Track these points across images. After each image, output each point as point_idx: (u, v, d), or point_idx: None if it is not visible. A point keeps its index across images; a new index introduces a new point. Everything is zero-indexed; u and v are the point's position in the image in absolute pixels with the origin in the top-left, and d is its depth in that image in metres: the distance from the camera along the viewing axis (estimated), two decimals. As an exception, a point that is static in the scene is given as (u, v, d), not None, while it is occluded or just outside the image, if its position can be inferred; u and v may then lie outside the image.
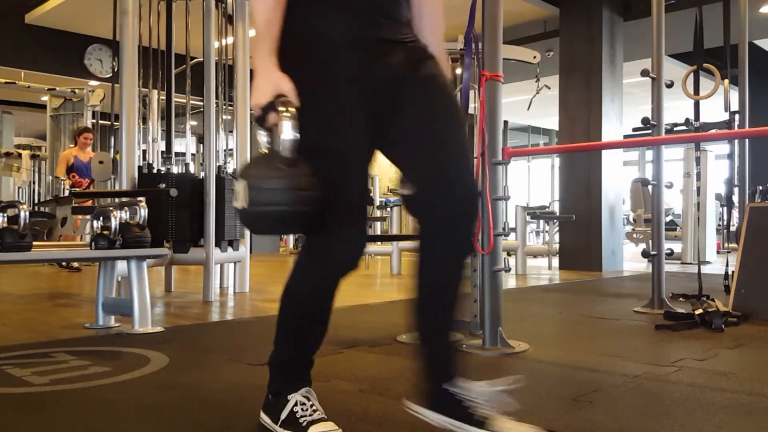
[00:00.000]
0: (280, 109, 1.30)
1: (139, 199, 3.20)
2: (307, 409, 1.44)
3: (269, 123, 1.31)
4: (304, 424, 1.42)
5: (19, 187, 10.08)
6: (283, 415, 1.45)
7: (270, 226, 1.47)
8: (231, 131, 5.13)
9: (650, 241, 3.99)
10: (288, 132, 1.29)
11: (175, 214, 4.24)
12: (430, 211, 1.37)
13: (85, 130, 7.25)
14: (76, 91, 8.67)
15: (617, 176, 7.35)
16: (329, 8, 1.39)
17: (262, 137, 1.34)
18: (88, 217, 4.83)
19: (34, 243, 2.74)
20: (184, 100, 5.13)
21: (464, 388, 1.42)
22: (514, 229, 7.38)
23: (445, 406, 1.41)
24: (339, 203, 1.34)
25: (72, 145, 7.40)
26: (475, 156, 2.64)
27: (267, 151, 1.33)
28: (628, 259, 7.76)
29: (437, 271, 1.43)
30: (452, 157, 1.37)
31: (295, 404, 1.45)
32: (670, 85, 3.99)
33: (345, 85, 1.36)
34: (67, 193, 6.88)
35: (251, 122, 5.33)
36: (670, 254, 4.01)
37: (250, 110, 1.37)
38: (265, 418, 1.52)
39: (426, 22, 1.52)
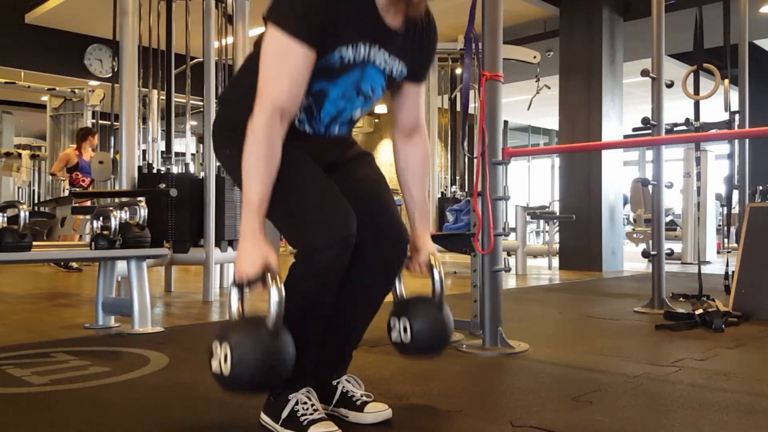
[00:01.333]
0: (269, 281, 1.35)
1: (139, 199, 3.20)
2: (308, 409, 1.46)
3: (253, 290, 1.38)
4: (305, 423, 1.44)
5: (18, 187, 10.08)
6: (284, 414, 1.47)
7: (247, 392, 1.51)
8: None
9: (650, 241, 3.99)
10: (275, 299, 1.34)
11: (175, 214, 4.24)
12: (367, 251, 1.53)
13: (89, 132, 7.22)
14: (76, 91, 8.67)
15: (617, 176, 7.35)
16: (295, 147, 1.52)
17: (234, 300, 1.39)
18: (88, 217, 4.82)
19: (34, 243, 2.74)
20: (184, 100, 5.13)
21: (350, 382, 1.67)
22: (514, 229, 7.38)
23: (332, 398, 1.64)
24: (316, 213, 1.48)
25: (73, 146, 7.39)
26: (475, 156, 2.64)
27: (254, 317, 1.38)
28: (628, 259, 7.76)
29: (364, 301, 1.64)
30: (383, 209, 1.61)
31: (296, 403, 1.47)
32: (670, 85, 3.99)
33: (302, 155, 1.54)
34: (67, 193, 6.89)
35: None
36: (670, 254, 4.01)
37: (234, 278, 1.39)
38: (265, 419, 1.53)
39: (409, 175, 1.74)
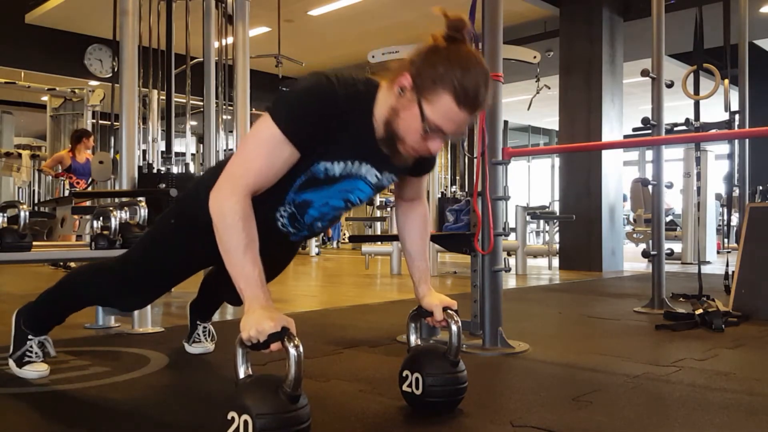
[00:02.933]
0: (286, 342, 1.29)
1: (139, 199, 3.20)
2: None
3: (270, 350, 1.31)
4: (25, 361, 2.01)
5: (19, 187, 10.07)
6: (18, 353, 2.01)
7: None
8: (231, 131, 5.12)
9: (650, 241, 3.99)
10: (295, 360, 1.28)
11: (175, 214, 4.23)
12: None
13: (83, 134, 7.21)
14: (76, 91, 8.67)
15: (617, 176, 7.35)
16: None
17: (241, 362, 1.34)
18: (88, 217, 4.82)
19: (34, 243, 2.74)
20: (184, 100, 5.13)
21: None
22: (514, 229, 7.38)
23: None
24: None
25: (68, 148, 7.37)
26: (475, 156, 2.64)
27: (264, 380, 1.33)
28: (628, 259, 7.76)
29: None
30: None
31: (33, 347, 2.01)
32: (670, 85, 3.99)
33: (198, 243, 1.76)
34: (66, 193, 6.88)
35: (251, 124, 5.33)
36: (670, 254, 4.01)
37: (244, 338, 1.33)
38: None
39: (408, 233, 1.81)
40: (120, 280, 1.88)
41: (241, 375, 1.33)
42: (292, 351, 1.28)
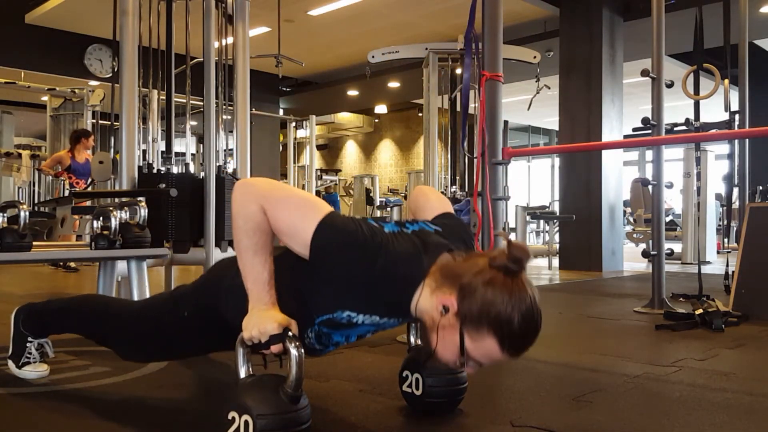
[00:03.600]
0: (288, 343, 1.29)
1: (139, 199, 3.20)
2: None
3: (272, 351, 1.31)
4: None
5: (19, 187, 10.07)
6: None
7: None
8: (231, 131, 5.12)
9: (650, 241, 3.99)
10: (296, 361, 1.28)
11: (175, 214, 4.23)
12: None
13: (82, 135, 7.21)
14: (76, 91, 8.67)
15: (617, 176, 7.35)
16: None
17: (242, 362, 1.33)
18: (88, 217, 4.82)
19: (34, 243, 2.74)
20: (184, 100, 5.12)
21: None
22: (514, 229, 7.38)
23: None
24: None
25: (67, 148, 7.38)
26: (475, 156, 2.64)
27: (265, 380, 1.32)
28: (628, 259, 7.76)
29: None
30: None
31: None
32: (670, 85, 3.99)
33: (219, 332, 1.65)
34: (66, 193, 6.88)
35: (251, 123, 5.33)
36: (670, 254, 4.01)
37: (245, 338, 1.33)
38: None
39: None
40: (130, 338, 1.81)
41: (242, 375, 1.33)
42: (294, 352, 1.28)
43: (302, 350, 1.30)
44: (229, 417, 1.27)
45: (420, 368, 1.64)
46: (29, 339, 2.03)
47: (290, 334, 1.30)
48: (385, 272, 1.32)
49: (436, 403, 1.66)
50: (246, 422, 1.24)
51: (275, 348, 1.30)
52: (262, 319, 1.31)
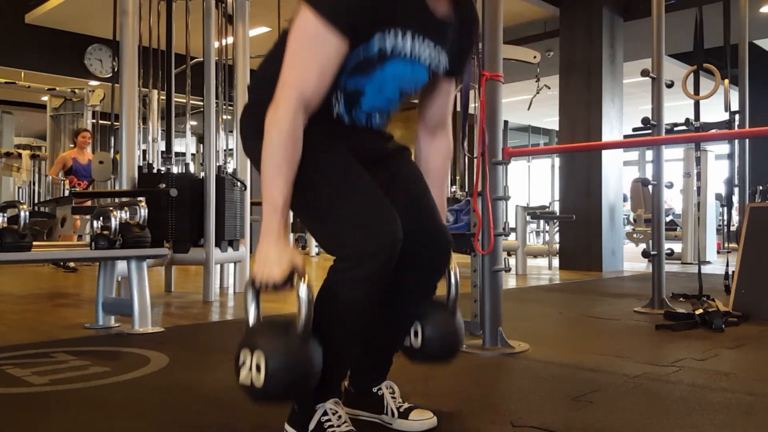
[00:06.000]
0: (297, 282, 1.28)
1: (139, 199, 3.20)
2: (336, 420, 1.40)
3: (279, 292, 1.29)
4: None
5: (19, 187, 10.08)
6: (312, 426, 1.40)
7: (278, 401, 1.39)
8: (231, 131, 5.13)
9: (650, 241, 3.99)
10: (305, 300, 1.27)
11: (175, 214, 4.24)
12: (413, 255, 1.45)
13: (82, 129, 7.26)
14: (76, 91, 8.67)
15: (617, 176, 7.35)
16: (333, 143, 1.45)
17: (252, 304, 1.31)
18: (88, 217, 4.82)
19: (34, 243, 2.74)
20: (184, 100, 5.13)
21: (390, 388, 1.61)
22: (514, 229, 7.38)
23: (372, 404, 1.60)
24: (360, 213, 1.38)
25: (72, 146, 7.40)
26: (475, 156, 2.64)
27: (276, 321, 1.31)
28: (628, 259, 7.76)
29: (410, 302, 1.56)
30: (430, 212, 1.54)
31: (324, 413, 1.40)
32: (670, 85, 3.99)
33: (344, 151, 1.45)
34: (67, 193, 6.89)
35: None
36: (670, 254, 4.01)
37: (252, 280, 1.30)
38: (290, 430, 1.45)
39: (430, 173, 1.65)
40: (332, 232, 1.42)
41: (252, 316, 1.31)
42: (302, 293, 1.27)
43: (311, 290, 1.28)
44: (240, 359, 1.27)
45: (420, 316, 1.59)
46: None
47: (297, 274, 1.29)
48: None
49: (437, 355, 1.61)
50: (257, 363, 1.24)
51: (284, 290, 1.28)
52: (269, 262, 1.28)
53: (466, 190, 6.95)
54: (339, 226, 1.38)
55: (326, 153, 1.41)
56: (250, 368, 1.25)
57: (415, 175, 1.60)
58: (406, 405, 1.58)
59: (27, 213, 2.69)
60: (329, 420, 1.39)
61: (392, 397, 1.58)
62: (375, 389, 1.59)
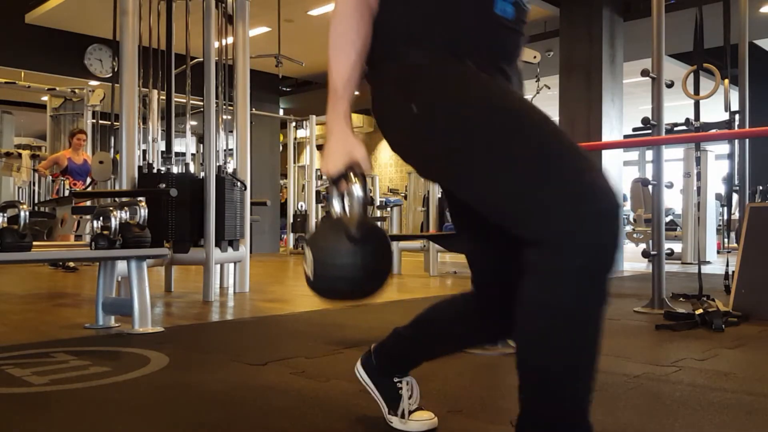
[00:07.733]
0: (352, 178, 1.25)
1: (139, 199, 3.20)
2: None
3: (340, 190, 1.26)
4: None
5: (19, 187, 10.08)
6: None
7: (337, 299, 1.40)
8: (231, 131, 5.13)
9: (650, 241, 3.99)
10: (359, 197, 1.25)
11: (175, 214, 4.24)
12: None
13: (78, 131, 7.26)
14: (76, 91, 8.67)
15: (617, 176, 7.35)
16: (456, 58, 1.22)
17: (336, 203, 1.28)
18: (88, 217, 4.83)
19: (34, 243, 2.74)
20: (184, 100, 5.13)
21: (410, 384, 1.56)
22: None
23: (387, 392, 1.56)
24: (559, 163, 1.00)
25: (68, 146, 7.40)
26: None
27: (336, 220, 1.28)
28: (628, 259, 7.76)
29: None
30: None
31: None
32: (670, 85, 3.99)
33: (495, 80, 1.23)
34: (66, 193, 6.89)
35: (251, 123, 5.33)
36: (671, 254, 4.00)
37: (320, 174, 1.27)
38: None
39: None
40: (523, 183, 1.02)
41: (338, 209, 1.29)
42: (355, 192, 1.25)
43: (362, 191, 1.25)
44: (304, 251, 1.30)
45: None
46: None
47: (352, 171, 1.26)
48: None
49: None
50: (308, 256, 1.26)
51: (341, 186, 1.25)
52: (330, 155, 1.24)
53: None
54: (538, 182, 0.98)
55: (486, 79, 1.17)
56: (307, 260, 1.27)
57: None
58: (412, 404, 1.56)
59: (27, 213, 2.69)
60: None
61: (408, 399, 1.53)
62: (396, 380, 1.54)
